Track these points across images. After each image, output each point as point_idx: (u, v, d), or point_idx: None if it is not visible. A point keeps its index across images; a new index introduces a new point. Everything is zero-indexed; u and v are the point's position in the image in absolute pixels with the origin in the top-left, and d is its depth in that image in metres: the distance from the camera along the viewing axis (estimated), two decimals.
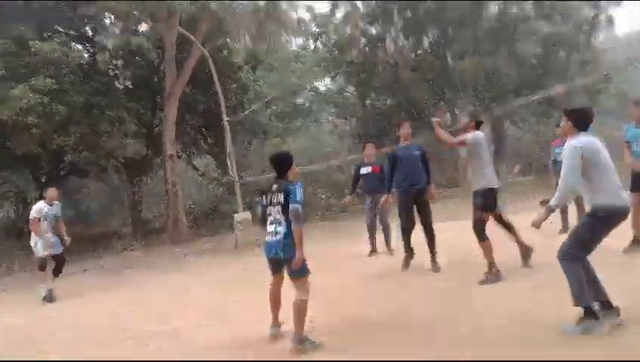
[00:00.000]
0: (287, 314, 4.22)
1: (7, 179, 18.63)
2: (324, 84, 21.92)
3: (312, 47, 20.01)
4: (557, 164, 7.54)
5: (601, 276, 3.74)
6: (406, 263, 6.55)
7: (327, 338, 4.18)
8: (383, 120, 18.93)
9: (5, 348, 5.27)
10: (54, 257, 7.89)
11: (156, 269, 10.27)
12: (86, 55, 14.59)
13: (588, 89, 16.47)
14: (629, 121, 6.04)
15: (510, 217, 6.04)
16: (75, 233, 18.85)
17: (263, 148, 17.23)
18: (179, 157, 16.91)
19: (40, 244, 7.71)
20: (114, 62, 12.31)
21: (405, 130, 6.66)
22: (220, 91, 13.33)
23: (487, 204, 5.51)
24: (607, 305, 3.67)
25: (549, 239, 5.77)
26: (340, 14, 19.11)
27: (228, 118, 13.23)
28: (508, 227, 5.78)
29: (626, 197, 3.88)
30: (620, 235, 4.52)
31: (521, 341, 3.63)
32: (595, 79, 16.37)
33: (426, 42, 19.63)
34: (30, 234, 7.93)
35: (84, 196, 22.37)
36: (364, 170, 8.01)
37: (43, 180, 17.58)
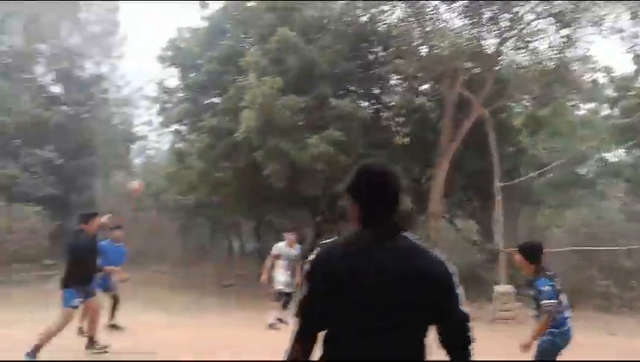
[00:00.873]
0: None
1: (290, 215, 21.26)
2: (615, 154, 19.21)
3: (606, 112, 17.81)
4: None
5: None
6: None
7: None
8: None
9: None
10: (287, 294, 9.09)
11: None
12: (371, 111, 15.81)
13: None
14: None
15: None
16: None
17: (533, 218, 15.80)
18: (443, 217, 16.73)
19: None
20: (396, 119, 12.97)
21: None
22: (495, 153, 12.78)
23: None
24: None
25: None
26: None
27: (499, 183, 12.53)
28: None
29: None
30: None
31: None
32: None
33: None
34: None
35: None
36: None
37: (317, 220, 19.50)
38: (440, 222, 15.45)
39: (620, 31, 12.94)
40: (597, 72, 15.31)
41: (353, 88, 15.78)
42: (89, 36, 22.03)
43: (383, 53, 13.35)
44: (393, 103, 13.96)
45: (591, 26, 13.01)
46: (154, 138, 26.08)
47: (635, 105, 15.34)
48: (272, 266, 9.35)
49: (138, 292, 12.02)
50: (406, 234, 1.89)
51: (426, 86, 15.86)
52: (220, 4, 17.39)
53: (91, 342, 6.68)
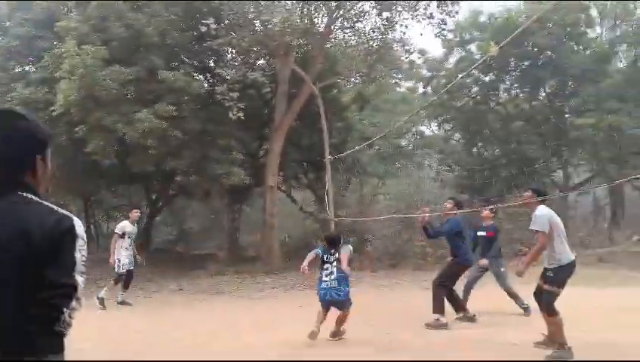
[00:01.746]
0: None
1: (121, 193, 20.12)
2: (430, 129, 21.57)
3: (422, 90, 19.80)
4: None
5: None
6: None
7: None
8: (490, 171, 18.11)
9: None
10: (128, 272, 9.25)
11: (243, 297, 10.48)
12: (206, 85, 15.52)
13: None
14: None
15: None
16: (176, 252, 19.95)
17: (362, 188, 17.09)
18: (279, 188, 17.26)
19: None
20: (230, 94, 12.91)
21: None
22: (325, 128, 13.49)
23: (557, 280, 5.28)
24: None
25: None
26: (452, 59, 18.84)
27: (330, 156, 13.30)
28: None
29: None
30: None
31: None
32: None
33: (542, 94, 18.70)
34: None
35: (187, 217, 23.56)
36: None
37: (154, 197, 18.79)
38: (277, 194, 15.93)
39: (431, 17, 14.38)
40: (412, 53, 16.88)
41: (187, 60, 15.31)
42: None
43: (215, 26, 13.07)
44: (228, 77, 13.83)
45: (406, 11, 14.28)
46: None
47: (445, 84, 17.29)
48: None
49: None
50: (22, 193, 1.59)
51: (261, 61, 16.02)
52: None
53: None
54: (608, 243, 14.97)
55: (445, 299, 7.22)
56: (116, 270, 9.15)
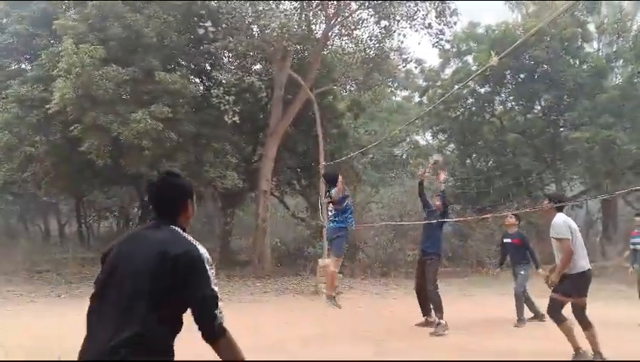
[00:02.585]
0: None
1: (114, 194, 20.04)
2: (424, 138, 21.63)
3: (417, 100, 19.86)
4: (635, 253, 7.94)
5: None
6: None
7: None
8: (484, 181, 18.17)
9: None
10: None
11: (233, 301, 10.42)
12: (202, 88, 15.51)
13: None
14: None
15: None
16: None
17: (355, 195, 17.08)
18: (272, 194, 17.24)
19: None
20: (226, 97, 12.91)
21: None
22: (320, 135, 13.51)
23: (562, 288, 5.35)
24: None
25: None
26: (449, 70, 18.93)
27: (324, 163, 13.30)
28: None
29: None
30: None
31: None
32: None
33: (537, 107, 18.81)
34: None
35: None
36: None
37: (145, 199, 18.72)
38: (269, 199, 15.91)
39: (429, 27, 14.45)
40: (409, 62, 16.96)
41: (184, 63, 15.31)
42: None
43: (213, 29, 13.08)
44: (224, 81, 13.84)
45: (404, 20, 14.35)
46: None
47: (440, 95, 17.36)
48: None
49: None
50: (174, 227, 2.15)
51: (258, 66, 16.04)
52: None
53: None
54: (600, 258, 15.02)
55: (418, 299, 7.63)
56: None
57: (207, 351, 2.10)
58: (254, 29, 13.71)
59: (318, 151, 13.37)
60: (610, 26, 17.47)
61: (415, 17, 14.42)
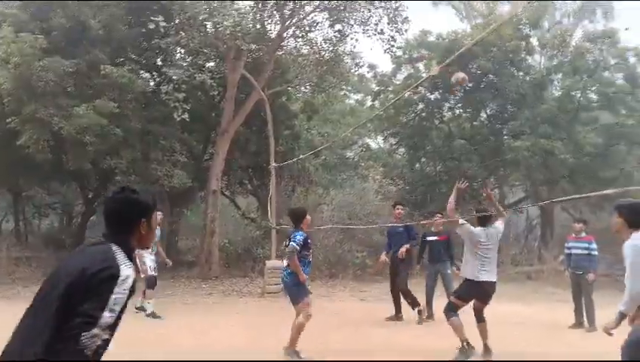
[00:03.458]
0: None
1: (56, 190, 19.21)
2: (376, 142, 21.90)
3: (370, 104, 20.10)
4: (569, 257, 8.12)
5: None
6: None
7: None
8: (431, 186, 18.60)
9: None
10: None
11: (176, 302, 10.22)
12: (152, 83, 15.12)
13: None
14: None
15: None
16: None
17: (307, 197, 17.11)
18: (223, 193, 17.01)
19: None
20: (176, 94, 12.63)
21: None
22: (272, 136, 13.44)
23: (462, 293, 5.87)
24: None
25: None
26: (401, 76, 19.27)
27: (275, 163, 13.24)
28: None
29: None
30: None
31: None
32: None
33: (483, 115, 19.44)
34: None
35: None
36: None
37: (90, 196, 18.05)
38: (220, 199, 15.68)
39: (381, 33, 14.67)
40: (362, 67, 17.18)
41: (134, 57, 14.87)
42: None
43: (165, 24, 12.77)
44: (175, 77, 13.53)
45: (358, 25, 14.53)
46: None
47: (392, 99, 17.63)
48: None
49: None
50: (112, 245, 2.03)
51: (211, 64, 15.80)
52: None
53: None
54: (537, 262, 15.68)
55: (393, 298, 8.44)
56: (142, 276, 8.50)
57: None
58: (208, 26, 13.49)
59: (269, 152, 13.31)
60: (551, 41, 18.24)
61: (368, 23, 14.64)
